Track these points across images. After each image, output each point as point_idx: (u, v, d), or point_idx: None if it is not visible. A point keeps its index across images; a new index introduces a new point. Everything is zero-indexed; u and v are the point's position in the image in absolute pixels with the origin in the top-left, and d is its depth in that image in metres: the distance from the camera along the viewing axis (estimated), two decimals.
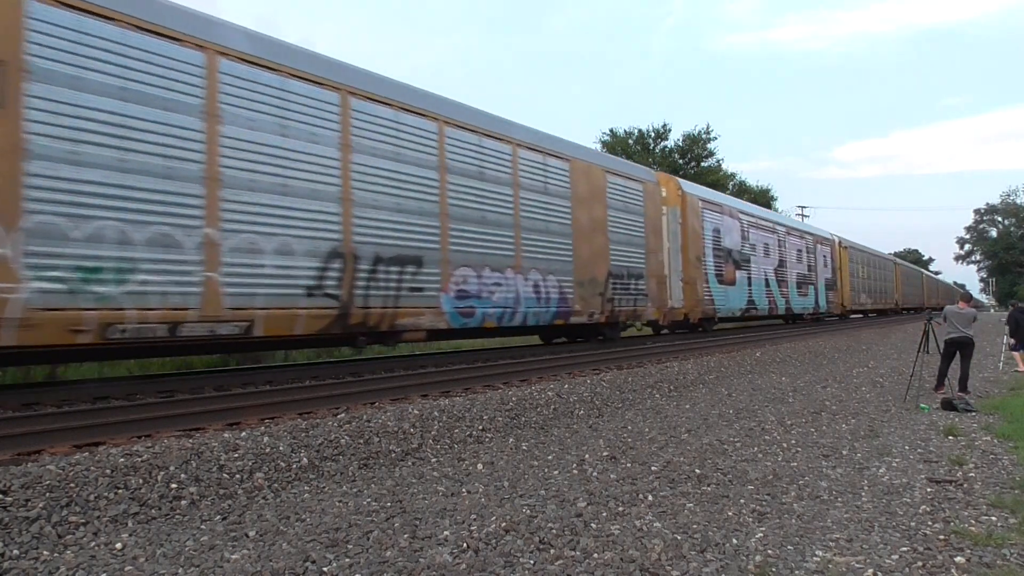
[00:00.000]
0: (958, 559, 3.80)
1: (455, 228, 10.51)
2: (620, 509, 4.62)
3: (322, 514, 4.53)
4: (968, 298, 10.88)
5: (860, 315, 39.92)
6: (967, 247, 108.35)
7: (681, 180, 18.36)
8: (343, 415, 6.86)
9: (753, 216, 22.77)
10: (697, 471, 5.60)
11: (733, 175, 49.22)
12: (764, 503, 4.81)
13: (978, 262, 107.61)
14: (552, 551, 3.87)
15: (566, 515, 4.45)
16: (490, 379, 10.01)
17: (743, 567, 3.69)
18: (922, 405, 9.04)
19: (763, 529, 4.27)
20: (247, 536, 4.14)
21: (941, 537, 4.14)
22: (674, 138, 46.11)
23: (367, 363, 11.38)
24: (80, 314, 6.30)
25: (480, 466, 5.86)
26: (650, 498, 4.88)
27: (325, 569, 3.62)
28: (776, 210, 47.48)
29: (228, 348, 9.98)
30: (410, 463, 6.03)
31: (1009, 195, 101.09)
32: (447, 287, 10.27)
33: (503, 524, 4.25)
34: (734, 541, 4.05)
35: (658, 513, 4.55)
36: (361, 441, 6.12)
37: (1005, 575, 3.62)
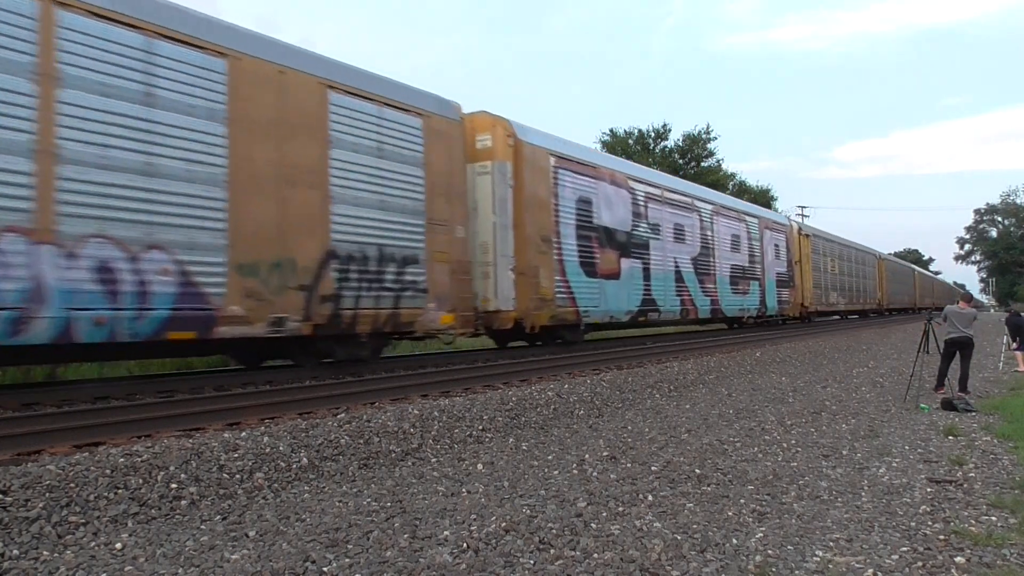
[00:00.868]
0: (958, 559, 3.80)
1: None
2: (620, 509, 4.62)
3: (322, 514, 4.53)
4: (968, 298, 10.88)
5: (832, 317, 34.89)
6: (967, 247, 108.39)
7: (520, 124, 12.51)
8: (343, 415, 6.86)
9: (656, 187, 16.73)
10: (697, 471, 5.60)
11: (733, 175, 49.27)
12: (764, 503, 4.81)
13: (978, 262, 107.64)
14: (552, 551, 3.87)
15: (566, 515, 4.45)
16: (490, 379, 10.01)
17: (743, 567, 3.69)
18: (922, 405, 9.04)
19: (763, 529, 4.27)
20: (247, 536, 4.14)
21: (941, 537, 4.14)
22: (674, 138, 46.16)
23: (367, 363, 11.37)
24: None
25: (480, 466, 5.85)
26: (650, 498, 4.88)
27: (325, 569, 3.62)
28: (776, 210, 47.21)
29: None
30: (410, 463, 6.03)
31: (1009, 195, 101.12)
32: None
33: (503, 524, 4.25)
34: (734, 541, 4.05)
35: (658, 513, 4.55)
36: (361, 441, 6.11)
37: (1005, 575, 3.62)
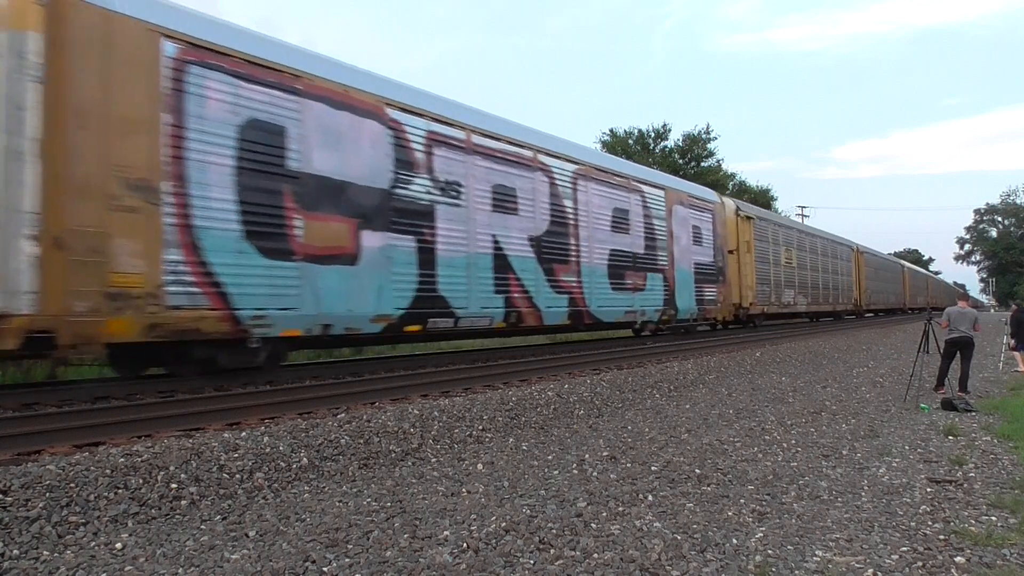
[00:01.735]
0: (958, 559, 3.80)
1: None
2: (620, 509, 4.62)
3: (322, 514, 4.53)
4: (965, 297, 10.90)
5: (792, 321, 29.50)
6: (967, 247, 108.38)
7: None
8: (343, 415, 6.86)
9: (455, 126, 10.94)
10: (697, 471, 5.60)
11: (733, 175, 49.24)
12: (764, 503, 4.81)
13: (978, 262, 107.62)
14: (552, 551, 3.87)
15: (566, 515, 4.45)
16: (490, 379, 10.01)
17: (743, 567, 3.69)
18: (922, 405, 9.04)
19: (763, 529, 4.27)
20: (247, 536, 4.14)
21: (941, 537, 4.14)
22: (674, 138, 46.16)
23: (367, 363, 11.38)
24: None
25: (480, 466, 5.85)
26: (650, 498, 4.88)
27: (325, 569, 3.62)
28: (776, 210, 47.05)
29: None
30: (410, 463, 6.03)
31: (1009, 195, 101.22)
32: None
33: (503, 524, 4.25)
34: (734, 541, 4.05)
35: (658, 513, 4.55)
36: (361, 441, 6.11)
37: (1005, 575, 3.62)
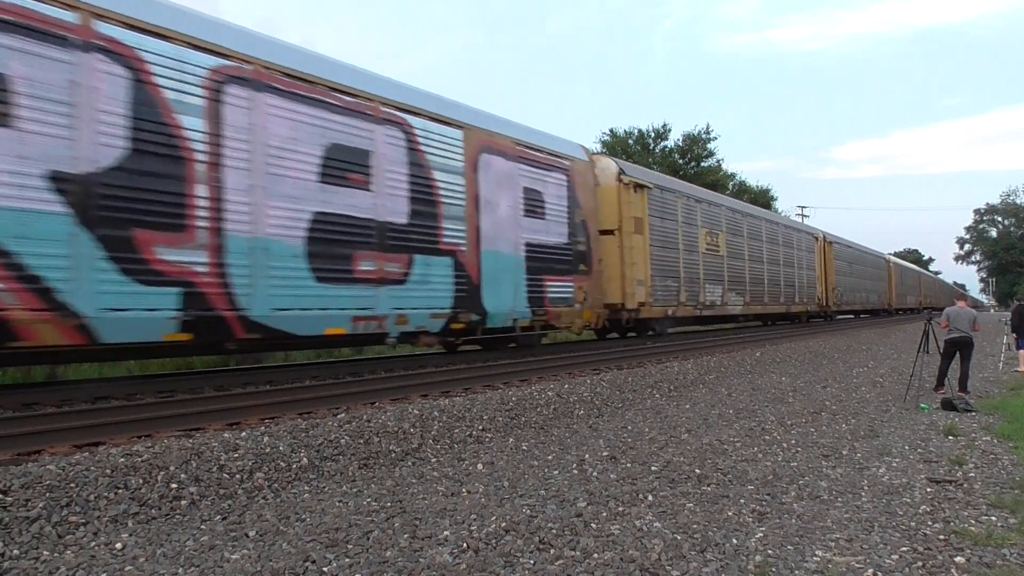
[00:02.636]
0: (958, 559, 3.80)
1: None
2: (620, 509, 4.62)
3: (322, 514, 4.53)
4: (964, 297, 10.94)
5: (716, 326, 23.85)
6: (967, 247, 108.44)
7: None
8: (343, 415, 6.86)
9: None
10: (697, 471, 5.60)
11: (733, 175, 49.25)
12: (764, 503, 4.81)
13: (978, 262, 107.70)
14: (552, 551, 3.87)
15: (566, 515, 4.45)
16: (490, 379, 10.01)
17: (743, 567, 3.69)
18: (922, 405, 9.04)
19: (763, 529, 4.27)
20: (247, 536, 4.14)
21: (941, 537, 4.14)
22: (674, 138, 46.17)
23: (367, 363, 11.39)
24: None
25: (480, 466, 5.85)
26: (650, 498, 4.88)
27: (325, 569, 3.62)
28: (776, 210, 46.89)
29: None
30: (410, 463, 6.03)
31: (1009, 195, 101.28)
32: None
33: (503, 524, 4.25)
34: (734, 541, 4.05)
35: (658, 513, 4.55)
36: (361, 441, 6.11)
37: (1005, 575, 3.62)
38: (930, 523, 4.41)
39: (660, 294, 16.24)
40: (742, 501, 4.83)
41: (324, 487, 5.24)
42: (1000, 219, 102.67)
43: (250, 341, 8.19)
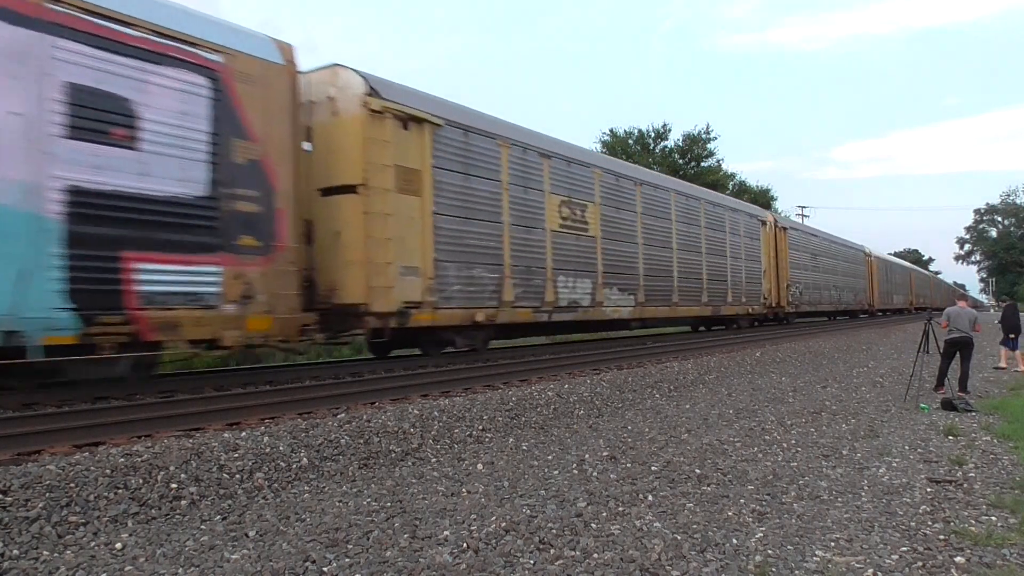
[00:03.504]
0: (958, 559, 3.80)
1: None
2: (620, 509, 4.62)
3: (322, 514, 4.53)
4: (964, 297, 10.95)
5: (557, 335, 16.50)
6: (967, 247, 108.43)
7: None
8: (343, 415, 6.86)
9: None
10: (697, 471, 5.60)
11: (733, 175, 49.25)
12: (764, 503, 4.81)
13: (978, 262, 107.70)
14: (552, 551, 3.87)
15: (566, 515, 4.45)
16: (490, 379, 10.01)
17: (743, 567, 3.69)
18: (922, 405, 9.04)
19: (763, 529, 4.27)
20: (247, 536, 4.14)
21: (941, 537, 4.14)
22: (674, 138, 46.18)
23: (367, 363, 11.38)
24: None
25: (480, 466, 5.85)
26: (650, 498, 4.88)
27: (325, 569, 3.62)
28: (775, 210, 46.70)
29: None
30: (410, 463, 6.03)
31: (1009, 195, 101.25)
32: None
33: (503, 524, 4.25)
34: (734, 541, 4.05)
35: (658, 513, 4.55)
36: (361, 441, 6.11)
37: (1005, 575, 3.62)
38: (930, 523, 4.41)
39: (457, 290, 10.67)
40: (742, 501, 4.83)
41: (324, 487, 5.24)
42: (1000, 219, 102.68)
43: None
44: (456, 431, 6.89)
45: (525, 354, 13.01)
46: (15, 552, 3.79)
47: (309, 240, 9.12)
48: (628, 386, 9.95)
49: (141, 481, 4.69)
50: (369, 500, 4.84)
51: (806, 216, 53.54)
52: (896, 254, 70.79)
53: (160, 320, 7.14)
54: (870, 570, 3.66)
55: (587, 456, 6.14)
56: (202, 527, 4.31)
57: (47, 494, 4.31)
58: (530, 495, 4.94)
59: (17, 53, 6.27)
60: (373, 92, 9.49)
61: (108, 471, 4.67)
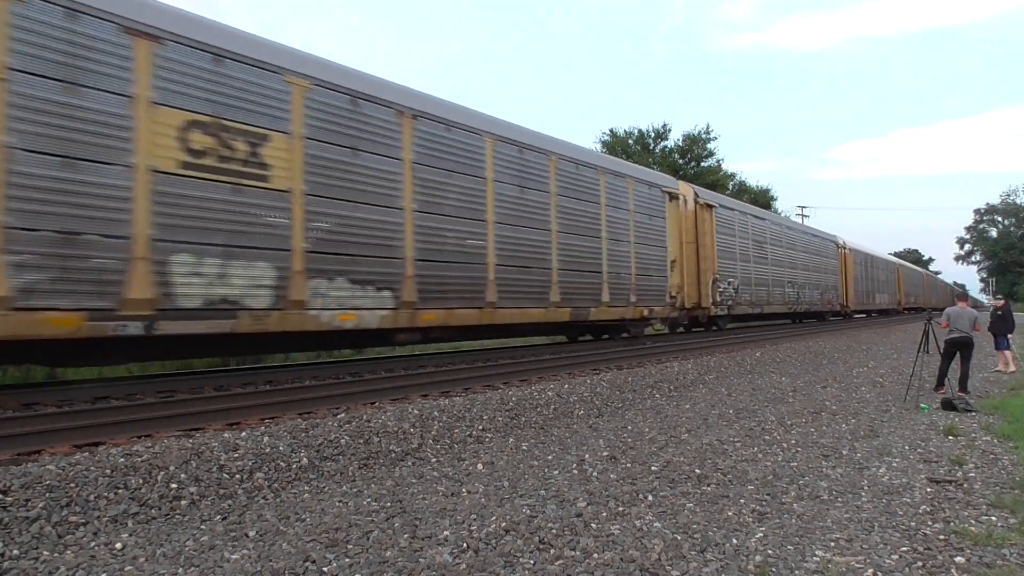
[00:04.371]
0: (958, 559, 3.80)
1: None
2: (620, 509, 4.62)
3: (322, 514, 4.53)
4: (964, 297, 10.92)
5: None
6: (967, 247, 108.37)
7: None
8: (343, 415, 6.86)
9: None
10: (697, 471, 5.60)
11: (733, 175, 49.24)
12: (764, 503, 4.81)
13: (978, 262, 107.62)
14: (552, 551, 3.87)
15: (566, 515, 4.45)
16: (490, 379, 10.01)
17: (743, 567, 3.69)
18: (922, 405, 9.04)
19: (763, 529, 4.27)
20: (247, 536, 4.14)
21: (941, 537, 4.14)
22: (674, 138, 46.18)
23: (367, 363, 11.38)
24: None
25: (480, 466, 5.85)
26: (650, 498, 4.88)
27: (325, 569, 3.62)
28: (776, 210, 46.59)
29: None
30: (410, 463, 6.03)
31: (1009, 195, 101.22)
32: None
33: (503, 524, 4.25)
34: (734, 541, 4.05)
35: (658, 513, 4.55)
36: (361, 441, 6.11)
37: (1005, 575, 3.62)
38: (930, 523, 4.41)
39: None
40: (742, 501, 4.83)
41: (324, 487, 5.24)
42: (1000, 219, 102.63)
43: None
44: (456, 431, 6.89)
45: (525, 354, 13.01)
46: (15, 552, 3.79)
47: None
48: (628, 386, 9.95)
49: (141, 481, 4.69)
50: (369, 500, 4.84)
51: (806, 216, 53.14)
52: (896, 254, 70.00)
53: None
54: (870, 570, 3.66)
55: (587, 456, 6.14)
56: (202, 527, 4.31)
57: (47, 494, 4.31)
58: (530, 495, 4.94)
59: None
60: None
61: (108, 471, 4.67)
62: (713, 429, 7.45)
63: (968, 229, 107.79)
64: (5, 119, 6.22)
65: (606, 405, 8.93)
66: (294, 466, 5.45)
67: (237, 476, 5.10)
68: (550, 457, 6.18)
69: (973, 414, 8.54)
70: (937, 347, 10.11)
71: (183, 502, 4.66)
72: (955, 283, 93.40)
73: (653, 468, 5.71)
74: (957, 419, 8.14)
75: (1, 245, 6.10)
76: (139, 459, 4.91)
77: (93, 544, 3.98)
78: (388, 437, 6.32)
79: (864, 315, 37.81)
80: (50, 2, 6.54)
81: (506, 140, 11.84)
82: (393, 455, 6.10)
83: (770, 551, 3.91)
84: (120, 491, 4.54)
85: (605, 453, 6.26)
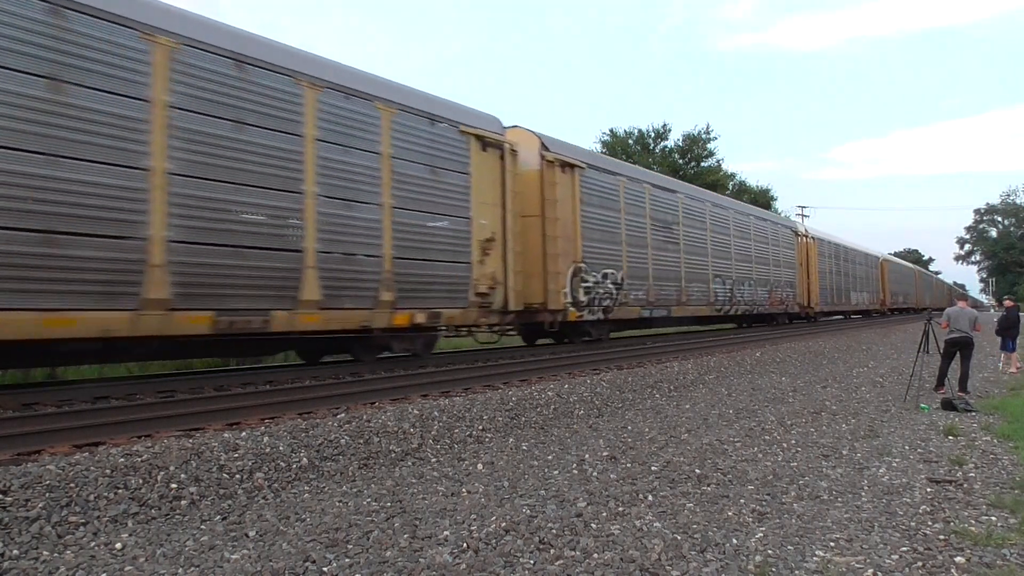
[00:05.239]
0: (958, 559, 3.80)
1: None
2: (620, 509, 4.62)
3: (322, 514, 4.53)
4: (964, 297, 10.97)
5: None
6: (967, 247, 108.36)
7: None
8: (343, 415, 6.86)
9: None
10: (697, 471, 5.60)
11: (733, 175, 49.23)
12: (764, 503, 4.81)
13: (978, 262, 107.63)
14: (552, 551, 3.87)
15: (566, 515, 4.45)
16: (490, 379, 10.01)
17: (743, 567, 3.69)
18: (922, 405, 9.04)
19: (763, 529, 4.27)
20: (247, 536, 4.14)
21: (941, 537, 4.14)
22: (674, 138, 46.18)
23: (367, 363, 11.36)
24: None
25: (480, 466, 5.85)
26: (650, 498, 4.88)
27: (325, 569, 3.62)
28: (775, 211, 46.30)
29: None
30: (410, 463, 6.03)
31: (1009, 195, 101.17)
32: None
33: (503, 524, 4.25)
34: (734, 541, 4.05)
35: (658, 513, 4.55)
36: (361, 441, 6.11)
37: (1005, 575, 3.62)
38: (930, 523, 4.41)
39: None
40: (742, 501, 4.83)
41: (324, 487, 5.24)
42: (1000, 219, 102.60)
43: None
44: (456, 431, 6.89)
45: (525, 354, 13.01)
46: (15, 552, 3.79)
47: None
48: (628, 386, 9.95)
49: (141, 481, 4.69)
50: (369, 500, 4.84)
51: (806, 216, 52.25)
52: (896, 254, 69.64)
53: None
54: (870, 570, 3.66)
55: (587, 456, 6.14)
56: (202, 527, 4.31)
57: (47, 494, 4.31)
58: (530, 495, 4.93)
59: None
60: None
61: (108, 471, 4.67)
62: (713, 429, 7.45)
63: (968, 229, 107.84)
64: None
65: (606, 405, 8.92)
66: (294, 466, 5.44)
67: (237, 476, 5.10)
68: (550, 457, 6.18)
69: (973, 414, 8.55)
70: (937, 347, 10.11)
71: (183, 502, 4.66)
72: (955, 283, 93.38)
73: (653, 468, 5.71)
74: (957, 419, 8.14)
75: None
76: (139, 459, 4.91)
77: (93, 544, 3.98)
78: (388, 437, 6.32)
79: (841, 316, 32.93)
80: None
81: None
82: (393, 455, 6.10)
83: (770, 551, 3.91)
84: (120, 491, 4.54)
85: (605, 453, 6.26)
